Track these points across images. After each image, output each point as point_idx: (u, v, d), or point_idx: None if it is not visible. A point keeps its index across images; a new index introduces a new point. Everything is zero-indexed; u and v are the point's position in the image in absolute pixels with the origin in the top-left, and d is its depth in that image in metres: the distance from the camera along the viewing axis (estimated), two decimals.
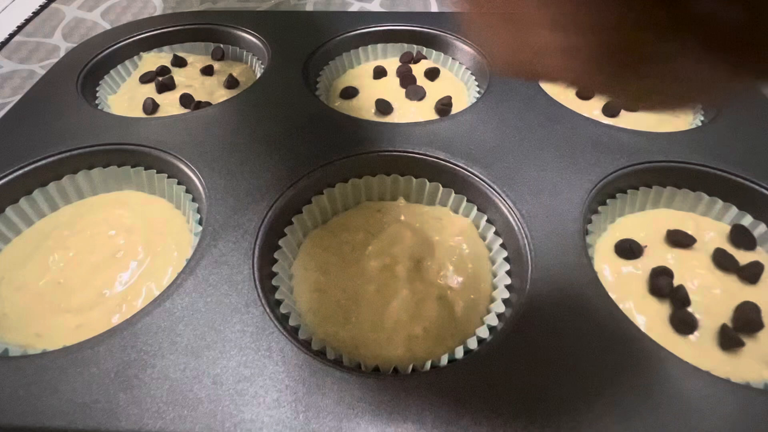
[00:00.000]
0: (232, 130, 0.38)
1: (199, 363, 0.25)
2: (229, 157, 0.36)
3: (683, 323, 0.29)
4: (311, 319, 0.29)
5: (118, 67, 0.49)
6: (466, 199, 0.35)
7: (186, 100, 0.44)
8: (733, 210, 0.34)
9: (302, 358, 0.25)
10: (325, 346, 0.27)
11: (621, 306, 0.28)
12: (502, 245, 0.33)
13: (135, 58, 0.50)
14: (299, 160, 0.35)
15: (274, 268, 0.31)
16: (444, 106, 0.43)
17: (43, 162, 0.36)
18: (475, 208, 0.35)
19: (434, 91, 0.45)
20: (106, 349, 0.26)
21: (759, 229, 0.33)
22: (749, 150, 0.36)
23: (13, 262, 0.33)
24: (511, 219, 0.32)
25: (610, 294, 0.28)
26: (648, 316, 0.29)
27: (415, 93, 0.44)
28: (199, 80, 0.48)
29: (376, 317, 0.29)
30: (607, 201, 0.34)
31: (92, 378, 0.25)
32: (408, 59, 0.49)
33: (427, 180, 0.36)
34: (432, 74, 0.47)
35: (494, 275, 0.32)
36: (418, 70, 0.48)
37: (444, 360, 0.27)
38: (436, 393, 0.24)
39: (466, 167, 0.35)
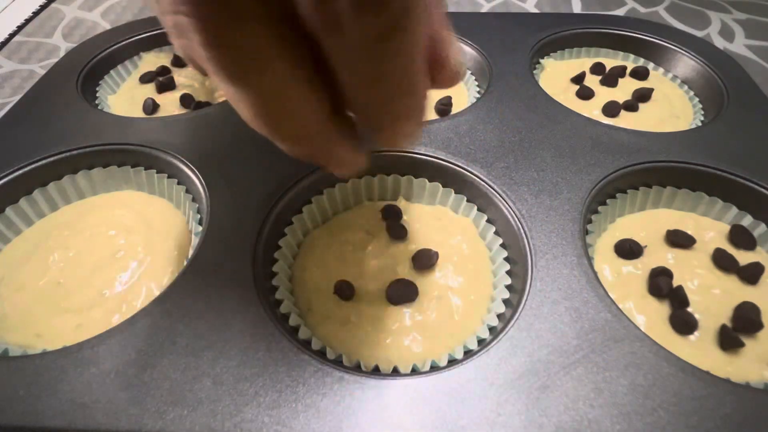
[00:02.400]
0: (232, 130, 0.38)
1: (199, 363, 0.25)
2: (230, 157, 0.36)
3: (683, 323, 0.29)
4: (311, 319, 0.29)
5: (118, 67, 0.49)
6: (466, 199, 0.35)
7: (186, 100, 0.44)
8: (733, 210, 0.34)
9: (302, 358, 0.25)
10: (325, 346, 0.27)
11: (621, 306, 0.28)
12: (502, 245, 0.33)
13: (135, 58, 0.50)
14: (299, 160, 0.35)
15: (274, 268, 0.31)
16: (444, 106, 0.43)
17: (43, 162, 0.36)
18: (475, 208, 0.35)
19: (434, 91, 0.45)
20: (106, 349, 0.26)
21: (759, 229, 0.33)
22: (749, 150, 0.36)
23: (13, 262, 0.33)
24: (511, 219, 0.32)
25: (610, 294, 0.28)
26: (648, 316, 0.29)
27: None
28: (200, 80, 0.48)
29: (377, 317, 0.29)
30: (607, 201, 0.34)
31: (92, 378, 0.25)
32: None
33: (427, 180, 0.36)
34: None
35: (494, 275, 0.32)
36: None
37: (444, 360, 0.27)
38: (435, 393, 0.24)
39: (466, 167, 0.35)
